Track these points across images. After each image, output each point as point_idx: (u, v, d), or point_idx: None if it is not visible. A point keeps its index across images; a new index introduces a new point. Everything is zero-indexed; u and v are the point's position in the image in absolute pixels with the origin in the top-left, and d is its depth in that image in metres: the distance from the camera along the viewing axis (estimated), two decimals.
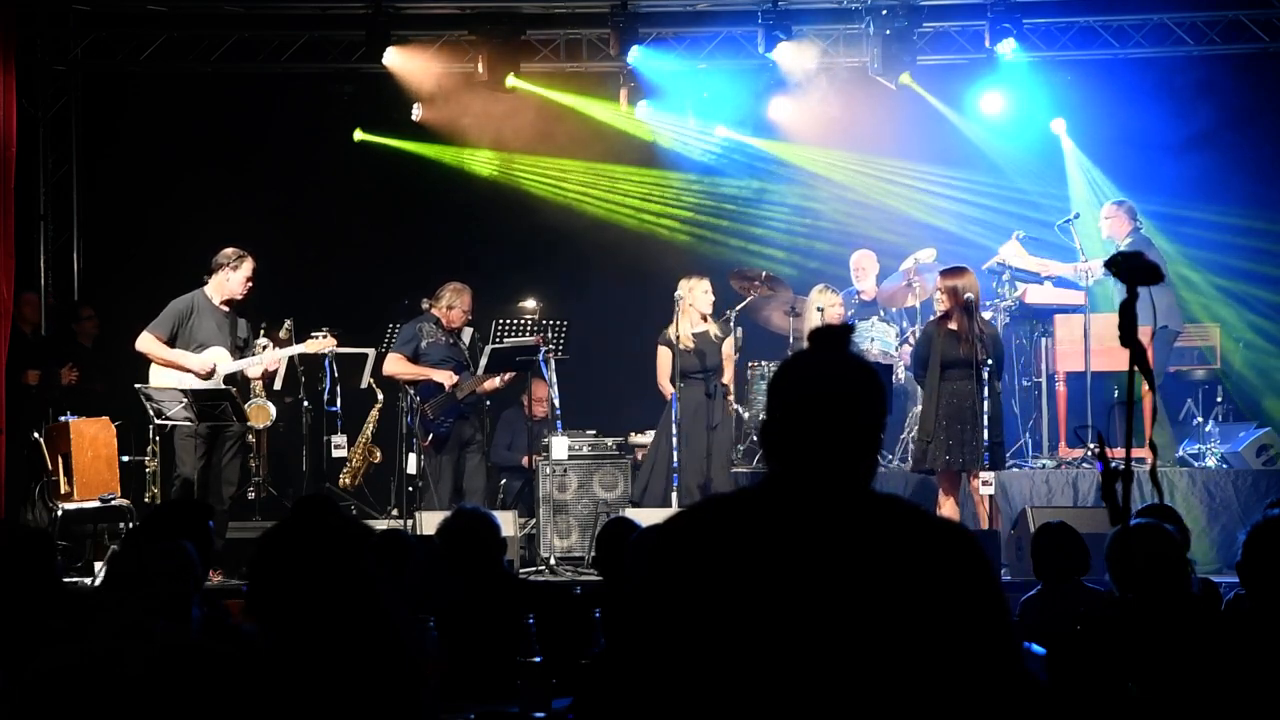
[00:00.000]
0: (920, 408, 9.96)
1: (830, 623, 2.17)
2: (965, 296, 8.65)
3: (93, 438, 9.33)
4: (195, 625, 3.56)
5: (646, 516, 7.61)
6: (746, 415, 10.30)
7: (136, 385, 8.95)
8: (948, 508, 8.66)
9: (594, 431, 10.08)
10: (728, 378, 9.67)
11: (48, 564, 4.30)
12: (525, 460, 10.52)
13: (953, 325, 8.68)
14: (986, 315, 9.41)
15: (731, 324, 9.88)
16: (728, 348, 9.65)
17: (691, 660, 2.21)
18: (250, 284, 9.07)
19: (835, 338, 2.35)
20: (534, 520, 9.61)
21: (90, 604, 3.62)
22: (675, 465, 9.24)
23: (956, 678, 2.18)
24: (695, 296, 9.55)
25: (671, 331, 9.54)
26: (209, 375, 8.86)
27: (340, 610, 2.76)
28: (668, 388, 9.47)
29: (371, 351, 10.81)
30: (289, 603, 2.78)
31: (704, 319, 9.61)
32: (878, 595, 2.18)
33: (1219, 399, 10.84)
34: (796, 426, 2.29)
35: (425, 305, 9.94)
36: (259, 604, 2.83)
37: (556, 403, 9.91)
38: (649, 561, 2.29)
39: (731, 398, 9.85)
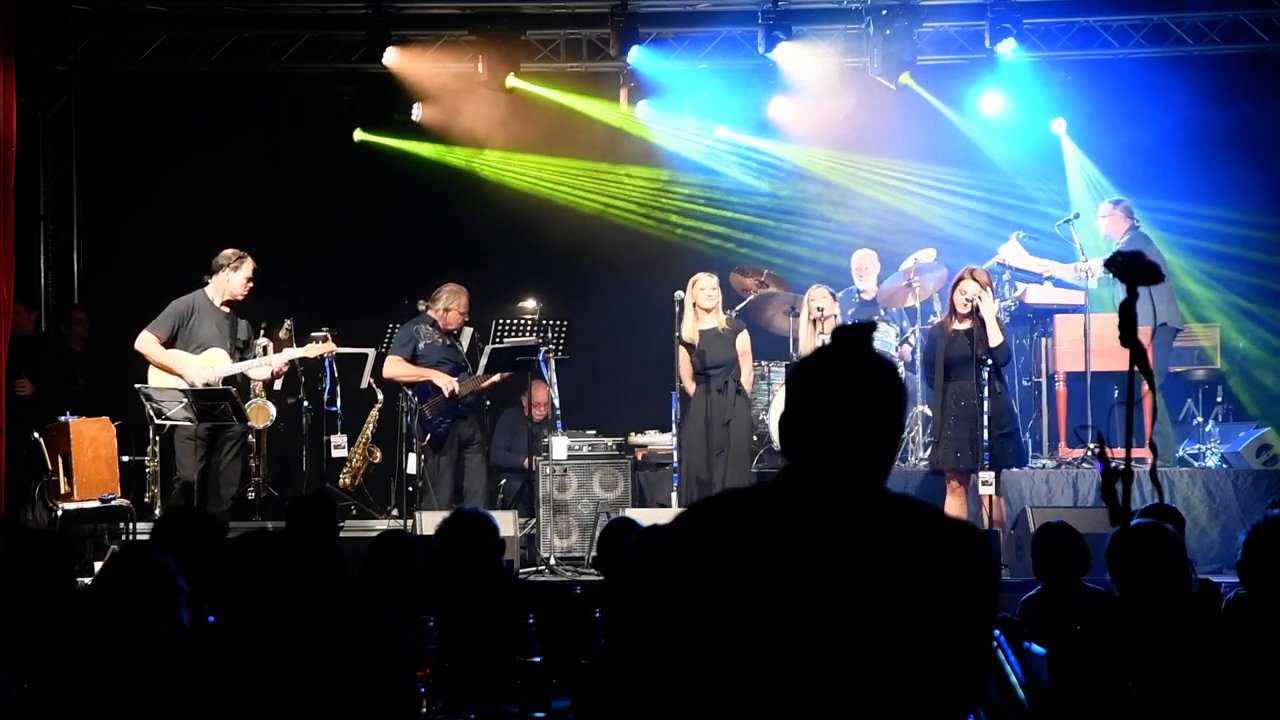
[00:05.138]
0: (921, 407, 9.96)
1: (838, 618, 2.18)
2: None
3: (93, 438, 9.31)
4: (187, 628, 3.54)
5: (648, 516, 7.60)
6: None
7: (136, 385, 8.95)
8: (955, 507, 8.66)
9: (594, 431, 10.08)
10: (745, 374, 9.35)
11: (64, 570, 4.30)
12: (525, 462, 10.50)
13: (958, 325, 8.68)
14: None
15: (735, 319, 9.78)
16: (742, 343, 9.35)
17: (700, 649, 2.22)
18: (251, 284, 9.08)
19: (857, 336, 2.35)
20: (534, 520, 9.60)
21: (88, 606, 3.61)
22: (675, 465, 9.22)
23: (939, 673, 2.20)
24: (694, 294, 9.41)
25: (680, 330, 9.40)
26: (205, 385, 8.85)
27: (318, 617, 2.75)
28: (689, 385, 9.30)
29: (371, 352, 10.81)
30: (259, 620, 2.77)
31: (708, 313, 9.39)
32: (889, 593, 2.19)
33: (1219, 399, 10.84)
34: (813, 423, 2.29)
35: (422, 306, 9.92)
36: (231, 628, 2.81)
37: (556, 403, 9.90)
38: (663, 552, 2.30)
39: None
